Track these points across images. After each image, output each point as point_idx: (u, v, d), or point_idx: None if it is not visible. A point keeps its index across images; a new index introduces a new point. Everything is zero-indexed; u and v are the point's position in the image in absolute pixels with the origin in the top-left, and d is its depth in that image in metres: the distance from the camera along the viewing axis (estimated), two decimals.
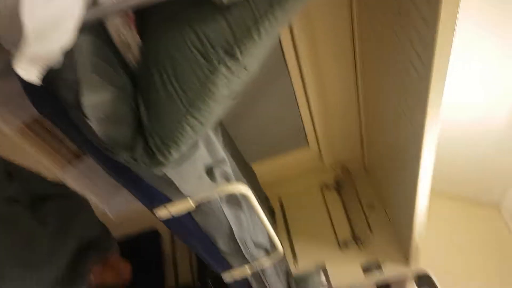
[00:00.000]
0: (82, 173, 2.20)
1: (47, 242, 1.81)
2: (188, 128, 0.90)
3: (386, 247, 2.53)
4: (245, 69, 0.88)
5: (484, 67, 1.87)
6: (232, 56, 0.84)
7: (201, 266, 2.76)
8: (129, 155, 0.93)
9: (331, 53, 2.08)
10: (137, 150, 0.92)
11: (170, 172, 1.03)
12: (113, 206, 2.61)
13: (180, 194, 1.20)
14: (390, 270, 2.47)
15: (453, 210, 2.66)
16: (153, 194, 1.21)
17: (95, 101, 0.85)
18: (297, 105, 2.40)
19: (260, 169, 2.60)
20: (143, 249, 2.87)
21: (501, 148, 2.18)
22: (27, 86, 0.86)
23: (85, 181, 2.30)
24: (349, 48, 2.05)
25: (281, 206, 2.95)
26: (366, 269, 2.49)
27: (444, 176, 2.40)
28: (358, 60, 2.10)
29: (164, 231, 2.99)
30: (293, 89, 2.28)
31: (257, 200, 2.02)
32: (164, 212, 1.32)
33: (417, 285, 3.00)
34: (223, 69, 0.85)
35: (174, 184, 1.10)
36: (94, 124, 0.86)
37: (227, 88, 0.89)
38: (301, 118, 2.49)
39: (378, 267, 2.46)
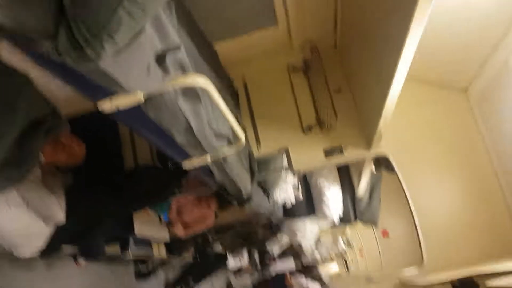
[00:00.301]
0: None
1: None
2: (125, 16, 0.68)
3: (350, 132, 2.51)
4: None
5: None
6: None
7: None
8: (51, 46, 0.71)
9: None
10: (60, 41, 0.70)
11: (107, 64, 0.82)
12: (59, 82, 2.37)
13: (122, 87, 1.00)
14: (351, 154, 2.51)
15: (421, 92, 2.62)
16: (93, 87, 1.01)
17: None
18: None
19: (224, 48, 2.37)
20: (98, 128, 2.71)
21: (480, 35, 2.04)
22: None
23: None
24: None
25: (245, 87, 2.79)
26: (328, 153, 2.50)
27: (416, 59, 2.29)
28: None
29: None
30: None
31: (218, 86, 1.85)
32: (108, 105, 1.14)
33: (375, 167, 3.12)
34: None
35: (114, 78, 0.90)
36: None
37: None
38: None
39: (340, 151, 2.48)
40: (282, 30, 2.53)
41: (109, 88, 1.03)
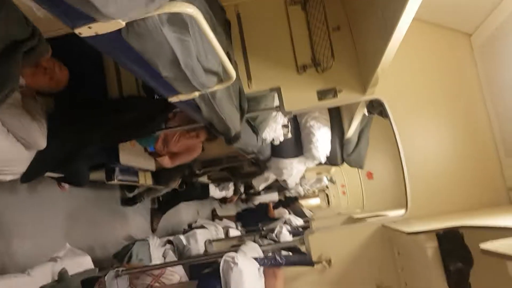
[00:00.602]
0: None
1: None
2: None
3: (346, 74, 2.41)
4: None
5: None
6: None
7: None
8: None
9: None
10: None
11: None
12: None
13: (100, 13, 0.89)
14: (345, 98, 2.43)
15: (424, 34, 2.49)
16: (71, 11, 0.90)
17: None
18: None
19: None
20: (82, 52, 2.55)
21: None
22: None
23: None
24: None
25: (238, 18, 2.61)
26: (322, 95, 2.42)
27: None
28: None
29: None
30: None
31: (209, 15, 1.71)
32: (87, 31, 1.03)
33: (368, 110, 3.06)
34: None
35: (93, 4, 0.79)
36: None
37: None
38: None
39: (334, 94, 2.40)
40: None
41: (86, 13, 0.92)
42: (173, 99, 1.68)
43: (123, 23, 1.01)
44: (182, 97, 1.67)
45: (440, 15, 2.38)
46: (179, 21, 1.17)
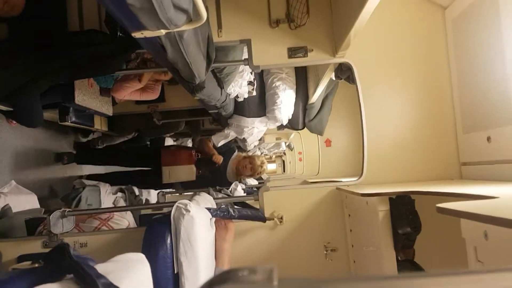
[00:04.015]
0: None
1: None
2: None
3: (319, 34, 2.37)
4: None
5: None
6: None
7: None
8: None
9: None
10: None
11: None
12: None
13: None
14: (315, 58, 2.40)
15: (399, 1, 2.47)
16: None
17: None
18: None
19: None
20: None
21: None
22: None
23: None
24: None
25: None
26: (292, 53, 2.38)
27: None
28: None
29: None
30: None
31: None
32: None
33: (335, 74, 3.05)
34: None
35: None
36: None
37: None
38: None
39: (305, 53, 2.36)
40: None
41: None
42: (137, 34, 1.57)
43: None
44: (147, 33, 1.57)
45: None
46: None
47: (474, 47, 2.19)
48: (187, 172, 4.15)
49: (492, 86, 2.04)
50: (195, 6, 1.50)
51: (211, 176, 4.11)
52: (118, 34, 2.24)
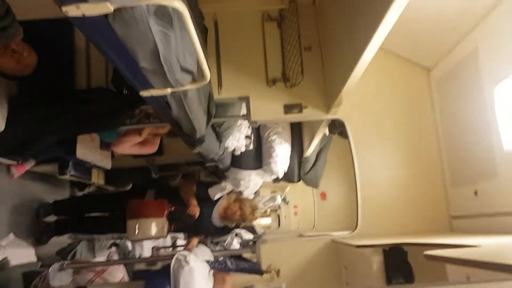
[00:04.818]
0: None
1: None
2: None
3: (313, 92, 2.53)
4: None
5: None
6: None
7: (118, 70, 2.54)
8: None
9: None
10: None
11: None
12: None
13: None
14: (310, 114, 2.54)
15: (386, 63, 2.66)
16: None
17: None
18: None
19: None
20: (52, 38, 2.51)
21: (455, 21, 2.08)
22: None
23: None
24: None
25: (216, 25, 2.69)
26: (288, 109, 2.52)
27: (390, 30, 2.30)
28: None
29: None
30: None
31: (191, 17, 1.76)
32: (74, 11, 1.05)
33: (329, 130, 3.19)
34: None
35: None
36: None
37: None
38: None
39: (300, 109, 2.50)
40: None
41: None
42: (145, 93, 1.69)
43: (112, 8, 1.04)
44: (155, 92, 1.69)
45: (404, 48, 2.57)
46: (165, 15, 1.21)
47: (458, 106, 2.35)
48: (157, 226, 3.44)
49: (476, 142, 2.17)
50: (199, 67, 1.63)
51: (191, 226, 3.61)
52: (124, 91, 2.37)
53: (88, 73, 2.61)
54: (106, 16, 1.09)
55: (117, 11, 1.07)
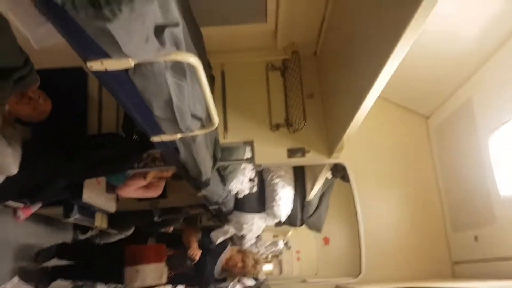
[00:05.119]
0: None
1: None
2: None
3: (315, 137, 2.63)
4: None
5: None
6: None
7: (128, 116, 2.65)
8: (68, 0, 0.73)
9: None
10: None
11: (114, 27, 0.85)
12: (39, 35, 2.30)
13: (119, 51, 1.03)
14: (312, 158, 2.62)
15: (386, 111, 2.77)
16: (89, 45, 1.03)
17: None
18: None
19: (209, 33, 2.39)
20: (66, 86, 2.65)
21: (451, 71, 2.21)
22: None
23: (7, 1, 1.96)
24: None
25: (223, 75, 2.83)
26: (291, 153, 2.60)
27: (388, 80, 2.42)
28: None
29: None
30: None
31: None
32: (98, 66, 1.15)
33: (332, 173, 3.26)
34: None
35: (117, 42, 0.93)
36: None
37: None
38: None
39: (303, 154, 2.59)
40: (270, 28, 2.60)
41: (104, 49, 1.05)
42: (156, 139, 1.78)
43: (132, 64, 1.14)
44: (165, 138, 1.78)
45: (402, 97, 2.70)
46: (179, 68, 1.32)
47: (456, 152, 2.43)
48: (156, 273, 3.34)
49: (474, 188, 2.23)
50: (208, 114, 1.73)
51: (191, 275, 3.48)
52: (134, 136, 2.47)
53: (100, 119, 2.72)
54: (126, 70, 1.19)
55: (137, 66, 1.18)
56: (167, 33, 1.12)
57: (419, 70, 2.33)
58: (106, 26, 0.82)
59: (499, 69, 2.00)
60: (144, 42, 1.03)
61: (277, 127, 2.66)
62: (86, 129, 2.68)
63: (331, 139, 2.54)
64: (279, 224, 4.78)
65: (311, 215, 4.45)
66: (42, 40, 2.27)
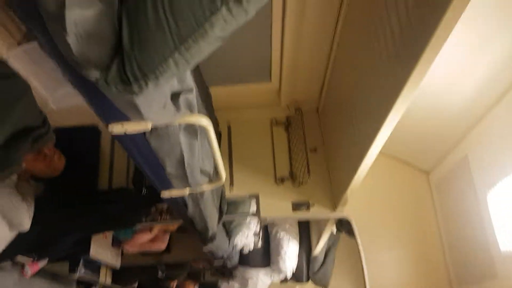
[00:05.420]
0: (29, 56, 2.01)
1: None
2: (172, 64, 0.83)
3: (319, 191, 2.69)
4: (245, 13, 0.81)
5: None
6: (238, 0, 0.76)
7: (138, 171, 2.75)
8: (101, 76, 0.84)
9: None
10: (110, 73, 0.83)
11: (139, 99, 0.96)
12: (57, 96, 2.45)
13: (140, 117, 1.14)
14: (317, 212, 2.66)
15: (386, 167, 2.85)
16: (112, 111, 1.14)
17: (79, 17, 0.73)
18: (271, 36, 2.30)
19: (217, 92, 2.55)
20: (80, 143, 2.77)
21: (448, 128, 2.31)
22: None
23: (30, 65, 2.11)
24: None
25: (229, 131, 2.96)
26: (296, 207, 2.65)
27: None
28: (342, 14, 2.02)
29: (105, 128, 2.88)
30: (270, 19, 2.17)
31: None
32: (118, 129, 1.26)
33: (337, 228, 3.28)
34: (224, 12, 0.77)
35: (139, 110, 1.03)
36: (71, 39, 0.75)
37: (223, 30, 0.81)
38: (271, 51, 2.40)
39: (307, 207, 2.64)
40: (274, 87, 2.76)
41: (125, 114, 1.16)
42: (165, 194, 1.86)
43: (150, 127, 1.25)
44: (174, 193, 1.86)
45: (403, 153, 2.78)
46: (192, 129, 1.43)
47: (457, 208, 2.48)
48: None
49: (476, 243, 2.26)
50: (217, 170, 1.82)
51: None
52: (143, 191, 2.55)
53: (111, 174, 2.81)
54: (144, 132, 1.30)
55: (154, 128, 1.28)
56: (182, 98, 1.23)
57: (418, 127, 2.43)
58: (133, 98, 0.93)
59: (494, 126, 2.09)
60: (162, 108, 1.14)
61: (282, 180, 2.73)
62: (97, 184, 2.76)
63: (335, 193, 2.60)
64: (285, 280, 4.70)
65: (317, 271, 4.39)
66: (60, 102, 2.42)
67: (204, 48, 0.84)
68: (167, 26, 0.79)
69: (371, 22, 1.61)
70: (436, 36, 1.13)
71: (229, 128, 2.94)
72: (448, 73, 2.06)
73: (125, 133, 1.28)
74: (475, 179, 2.24)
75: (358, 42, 1.84)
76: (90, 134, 2.82)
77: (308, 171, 2.69)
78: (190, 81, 1.25)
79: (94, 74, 0.85)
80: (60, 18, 0.72)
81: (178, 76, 1.14)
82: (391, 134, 1.70)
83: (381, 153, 1.87)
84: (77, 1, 0.72)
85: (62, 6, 0.71)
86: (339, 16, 2.06)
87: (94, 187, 2.73)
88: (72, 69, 0.90)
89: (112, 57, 0.84)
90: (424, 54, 1.18)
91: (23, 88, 1.86)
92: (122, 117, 1.20)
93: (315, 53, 2.37)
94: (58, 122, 2.59)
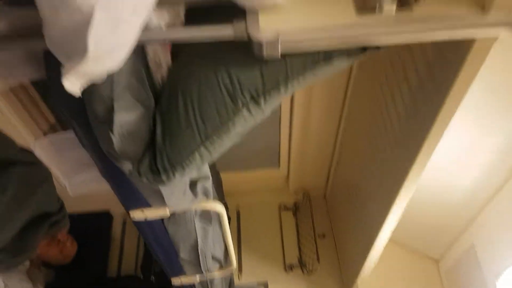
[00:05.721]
0: (53, 145, 2.16)
1: (3, 208, 1.77)
2: (198, 157, 0.94)
3: (329, 279, 2.64)
4: (263, 113, 0.93)
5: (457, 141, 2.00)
6: (257, 102, 0.89)
7: (147, 258, 2.75)
8: (134, 168, 0.95)
9: (324, 92, 2.16)
10: (143, 165, 0.94)
11: (164, 188, 1.05)
12: (74, 183, 2.56)
13: (162, 204, 1.22)
14: None
15: (395, 255, 2.82)
16: (136, 198, 1.23)
17: (124, 119, 0.86)
18: (279, 127, 2.46)
19: (227, 177, 2.64)
20: (92, 229, 2.80)
21: (454, 215, 2.34)
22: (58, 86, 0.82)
23: (53, 154, 2.25)
24: (342, 89, 2.14)
25: (238, 216, 3.00)
26: None
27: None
28: (346, 104, 2.19)
29: (117, 214, 2.95)
30: (280, 112, 2.34)
31: None
32: (139, 215, 1.33)
33: None
34: (244, 112, 0.90)
35: (162, 197, 1.12)
36: (116, 139, 0.87)
37: (243, 127, 0.93)
38: (280, 141, 2.56)
39: None
40: (282, 174, 2.87)
41: (148, 201, 1.25)
42: (176, 281, 1.87)
43: (169, 213, 1.33)
44: (184, 280, 1.87)
45: (410, 239, 2.77)
46: (206, 214, 1.50)
47: None
48: None
49: None
50: (228, 256, 1.85)
51: None
52: (151, 278, 2.54)
53: (120, 260, 2.81)
54: (162, 218, 1.38)
55: (172, 214, 1.36)
56: (199, 186, 1.33)
57: (424, 217, 2.46)
58: (159, 187, 1.03)
59: (498, 214, 2.12)
60: (182, 195, 1.22)
61: (291, 267, 2.70)
62: (106, 271, 2.75)
63: (345, 282, 2.56)
64: None
65: None
66: (77, 188, 2.51)
67: (225, 143, 0.95)
68: (195, 124, 0.91)
69: (374, 112, 1.75)
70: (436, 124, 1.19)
71: (238, 213, 2.99)
72: (447, 168, 2.14)
73: (144, 220, 1.36)
74: (483, 267, 2.22)
75: (363, 129, 1.97)
76: (102, 220, 2.88)
77: (318, 258, 2.67)
78: (207, 169, 1.36)
79: (127, 166, 0.96)
80: (108, 121, 0.85)
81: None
82: (400, 222, 1.72)
83: (391, 240, 1.88)
84: (124, 106, 0.85)
85: (111, 111, 0.84)
86: (343, 107, 2.22)
87: (104, 274, 2.71)
88: (106, 161, 1.01)
89: (144, 152, 0.95)
90: (426, 142, 1.25)
91: (45, 175, 1.96)
92: (143, 204, 1.29)
93: (322, 142, 2.51)
94: (72, 207, 2.66)
